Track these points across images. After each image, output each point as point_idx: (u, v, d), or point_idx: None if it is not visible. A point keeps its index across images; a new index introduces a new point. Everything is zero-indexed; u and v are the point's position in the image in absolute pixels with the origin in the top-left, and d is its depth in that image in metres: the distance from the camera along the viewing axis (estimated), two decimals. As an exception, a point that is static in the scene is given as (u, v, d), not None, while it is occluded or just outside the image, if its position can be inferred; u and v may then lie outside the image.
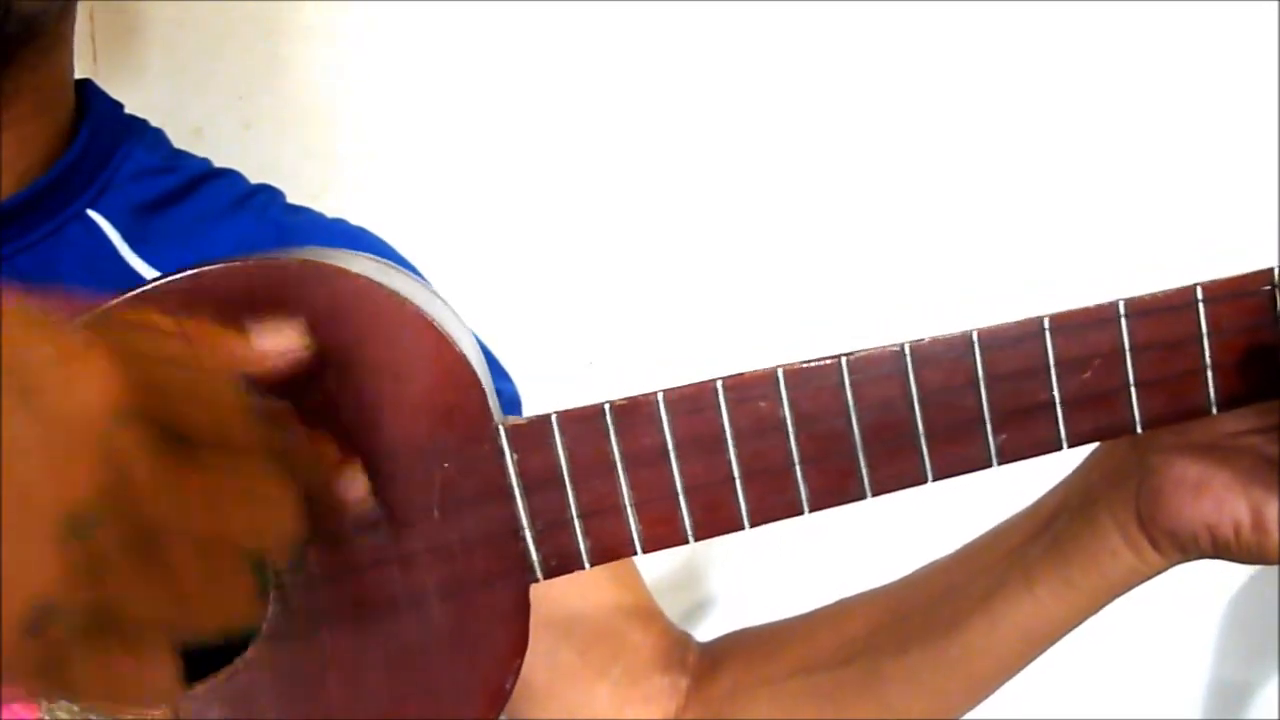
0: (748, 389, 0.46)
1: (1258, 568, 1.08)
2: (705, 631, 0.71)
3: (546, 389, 0.77)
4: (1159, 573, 0.55)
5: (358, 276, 0.44)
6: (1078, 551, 0.55)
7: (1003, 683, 0.59)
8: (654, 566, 0.80)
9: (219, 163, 0.71)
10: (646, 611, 0.69)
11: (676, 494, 0.46)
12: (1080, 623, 0.57)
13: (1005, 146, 0.98)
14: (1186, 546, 0.53)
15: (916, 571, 0.63)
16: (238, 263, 0.44)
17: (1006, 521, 0.60)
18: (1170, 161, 0.99)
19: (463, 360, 0.45)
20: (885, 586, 0.64)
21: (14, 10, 0.53)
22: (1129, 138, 0.98)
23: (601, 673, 0.67)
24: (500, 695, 0.47)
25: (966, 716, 0.61)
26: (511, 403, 0.70)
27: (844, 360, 0.47)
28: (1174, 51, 0.98)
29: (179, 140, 0.70)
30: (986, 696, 0.60)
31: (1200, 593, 1.10)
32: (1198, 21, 0.97)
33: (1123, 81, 0.98)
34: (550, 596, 0.66)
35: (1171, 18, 0.97)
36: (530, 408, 0.70)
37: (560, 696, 0.67)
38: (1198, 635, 1.12)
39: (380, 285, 0.44)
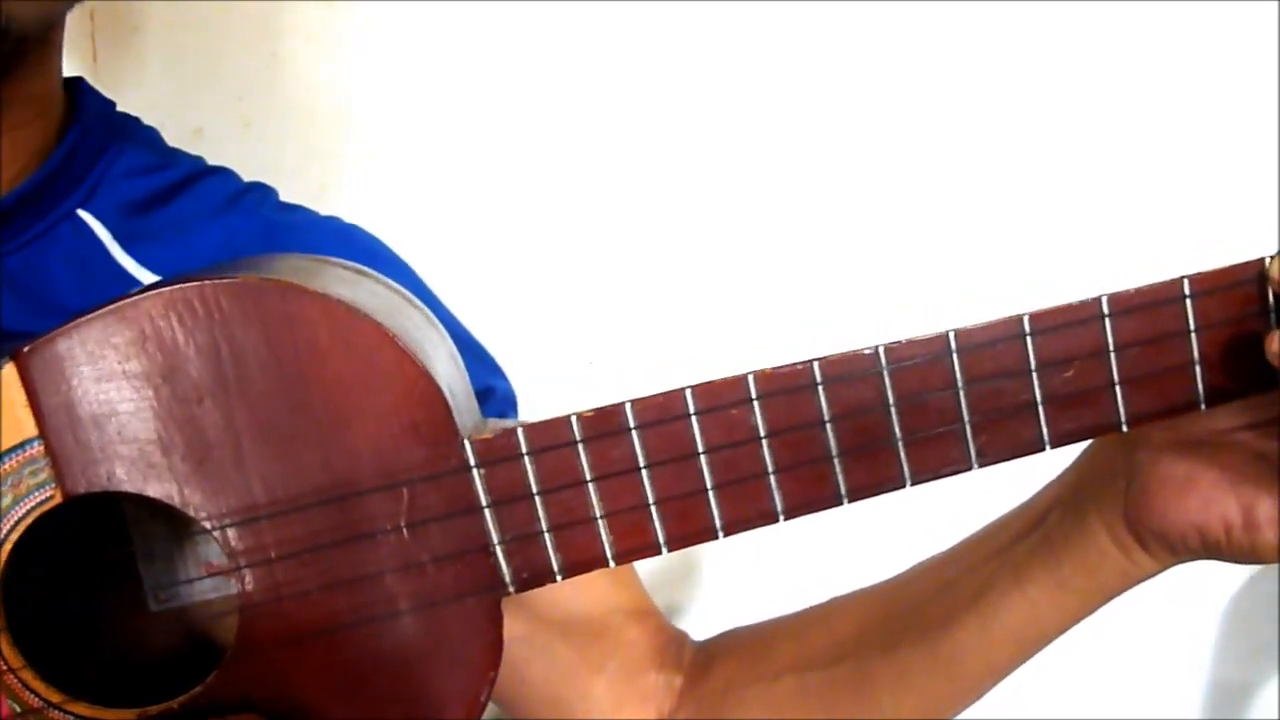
0: (718, 396, 0.45)
1: (1258, 568, 1.07)
2: (698, 626, 0.70)
3: (546, 389, 0.77)
4: (1152, 575, 0.53)
5: (314, 292, 0.44)
6: (1068, 552, 0.54)
7: (994, 684, 0.58)
8: (648, 562, 0.80)
9: (219, 163, 0.71)
10: (642, 609, 0.69)
11: (648, 505, 0.46)
12: (1073, 625, 0.56)
13: (1002, 147, 0.97)
14: (1176, 548, 0.52)
15: (909, 569, 0.62)
16: (195, 280, 0.44)
17: (999, 519, 0.59)
18: (1169, 161, 0.97)
19: (425, 375, 0.44)
20: (877, 584, 0.63)
21: (10, 27, 0.52)
22: (1128, 138, 0.97)
23: (598, 669, 0.67)
24: (476, 708, 0.47)
25: (964, 716, 0.61)
26: (506, 401, 0.70)
27: (816, 364, 0.46)
28: (1174, 51, 0.95)
29: (179, 140, 0.70)
30: (978, 698, 0.59)
31: (1200, 593, 1.08)
32: (1198, 21, 0.95)
33: (1122, 81, 0.96)
34: (547, 594, 0.66)
35: (1171, 18, 0.95)
36: (530, 407, 0.70)
37: (556, 693, 0.67)
38: (1198, 635, 1.10)
39: (338, 301, 0.44)
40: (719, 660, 0.67)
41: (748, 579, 0.99)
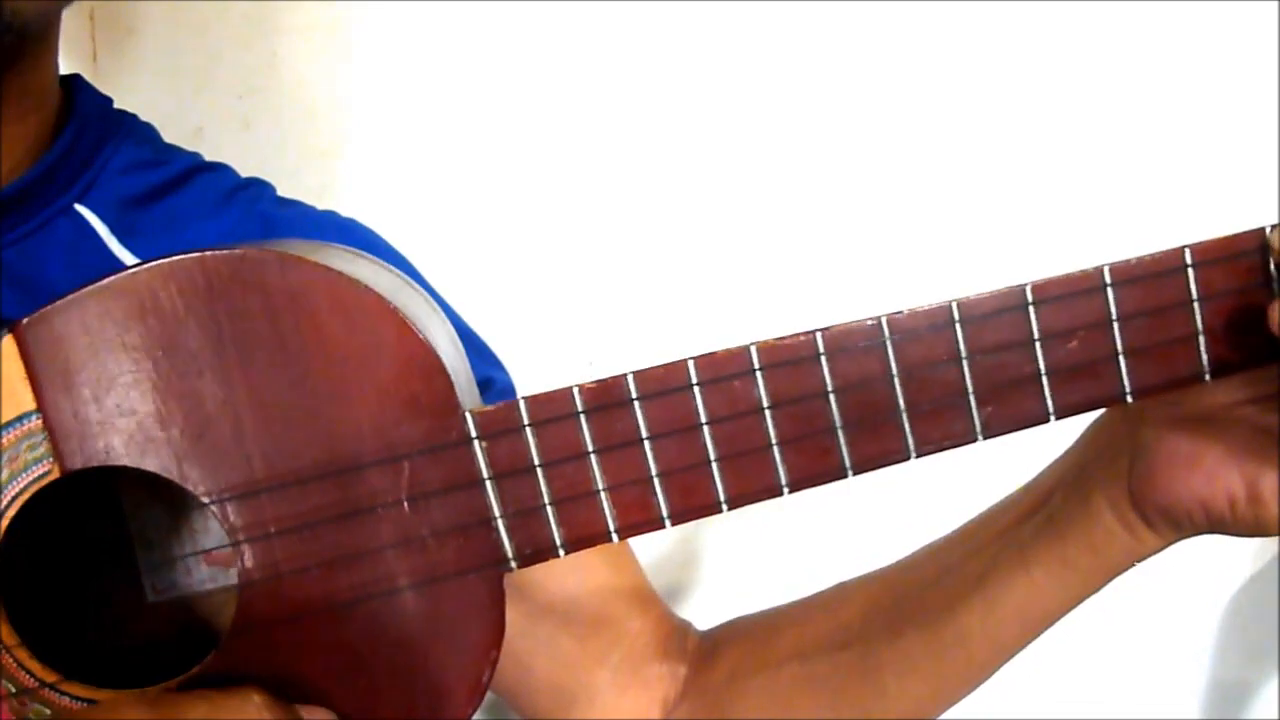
0: (720, 367, 0.45)
1: (1258, 567, 1.07)
2: (700, 614, 0.70)
3: (546, 388, 0.76)
4: (1156, 552, 0.53)
5: (313, 264, 0.43)
6: (1072, 531, 0.54)
7: (999, 666, 0.58)
8: (649, 550, 0.79)
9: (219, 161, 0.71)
10: (645, 598, 0.69)
11: (651, 478, 0.45)
12: (1078, 604, 0.55)
13: (1001, 147, 0.97)
14: (1181, 524, 0.51)
15: (913, 554, 0.62)
16: (195, 254, 0.43)
17: (1002, 501, 0.59)
18: (1170, 161, 0.97)
19: (426, 347, 0.44)
20: (882, 569, 0.63)
21: (11, 21, 0.52)
22: (1127, 137, 0.97)
23: (601, 660, 0.66)
24: (478, 687, 0.46)
25: (964, 710, 0.60)
26: (505, 393, 0.70)
27: (819, 335, 0.45)
28: (1174, 51, 0.96)
29: (179, 140, 0.70)
30: (983, 680, 0.59)
31: (1200, 593, 1.07)
32: (1198, 21, 0.95)
33: (1123, 81, 0.96)
34: (549, 583, 0.66)
35: (1171, 18, 0.95)
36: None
37: (560, 684, 0.66)
38: (1198, 635, 1.10)
39: (339, 273, 0.44)
40: (723, 649, 0.66)
41: (749, 566, 0.99)
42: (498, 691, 0.68)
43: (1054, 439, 0.54)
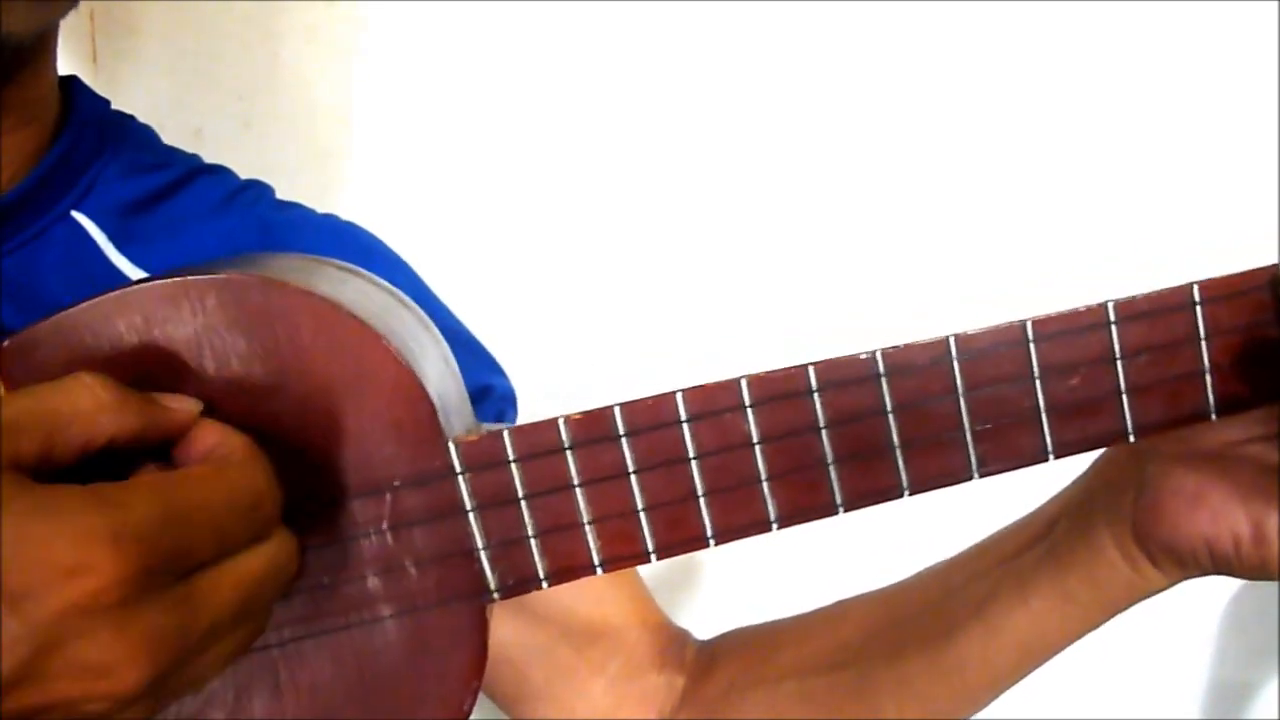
0: (710, 400, 0.44)
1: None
2: (699, 625, 0.69)
3: (546, 390, 0.76)
4: (1159, 590, 0.52)
5: (297, 289, 0.42)
6: (1074, 563, 0.53)
7: (997, 694, 0.57)
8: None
9: (219, 163, 0.70)
10: (644, 608, 0.68)
11: (636, 511, 0.45)
12: (1078, 638, 0.54)
13: (1003, 150, 0.96)
14: (1185, 562, 0.50)
15: (914, 575, 0.61)
16: (178, 278, 0.43)
17: (1006, 527, 0.58)
18: (1169, 162, 0.96)
19: (410, 375, 0.43)
20: (883, 589, 0.62)
21: (7, 41, 0.51)
22: (1128, 138, 0.96)
23: (598, 670, 0.66)
24: (460, 715, 0.46)
25: (964, 716, 0.60)
26: (505, 399, 0.69)
27: (811, 369, 0.44)
28: (1174, 51, 0.95)
29: (179, 141, 0.70)
30: (981, 707, 0.58)
31: (1200, 593, 1.06)
32: (1198, 21, 0.94)
33: (1123, 81, 0.95)
34: (547, 594, 0.65)
35: (1171, 18, 0.94)
36: (529, 407, 0.69)
37: (557, 694, 0.66)
38: (1198, 635, 1.10)
39: (322, 298, 0.43)
40: (721, 661, 0.66)
41: (750, 579, 0.99)
42: (494, 699, 0.68)
43: (1064, 467, 0.53)
